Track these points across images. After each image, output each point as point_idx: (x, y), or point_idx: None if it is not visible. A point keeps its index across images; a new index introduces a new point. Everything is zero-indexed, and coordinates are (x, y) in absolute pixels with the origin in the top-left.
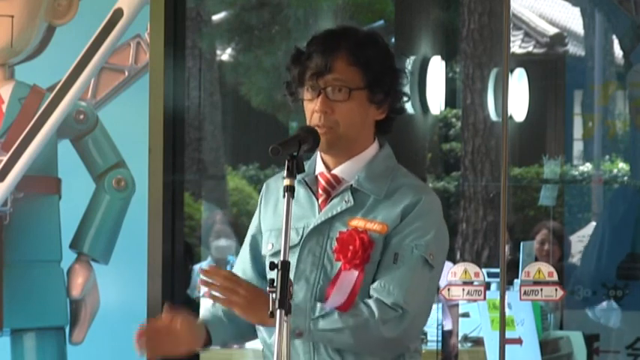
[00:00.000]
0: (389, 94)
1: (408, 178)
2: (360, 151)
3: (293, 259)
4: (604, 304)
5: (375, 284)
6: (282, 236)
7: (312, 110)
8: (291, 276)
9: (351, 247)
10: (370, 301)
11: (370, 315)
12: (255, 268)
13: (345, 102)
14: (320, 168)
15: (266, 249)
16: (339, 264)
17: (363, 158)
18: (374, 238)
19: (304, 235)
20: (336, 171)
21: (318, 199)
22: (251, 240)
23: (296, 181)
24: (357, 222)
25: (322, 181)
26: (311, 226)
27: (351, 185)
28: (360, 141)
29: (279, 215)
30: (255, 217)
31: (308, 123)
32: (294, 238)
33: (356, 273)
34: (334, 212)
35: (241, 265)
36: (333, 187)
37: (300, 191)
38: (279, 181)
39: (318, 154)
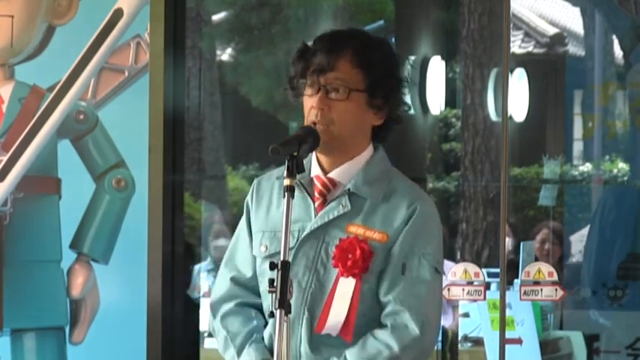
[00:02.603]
0: (388, 101)
1: (403, 181)
2: (356, 154)
3: None
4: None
5: (389, 303)
6: (281, 237)
7: (310, 106)
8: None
9: (350, 256)
10: (384, 335)
11: (389, 349)
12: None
13: (343, 101)
14: (316, 170)
15: (258, 250)
16: (332, 268)
17: (359, 162)
18: (374, 248)
19: (299, 238)
20: (333, 174)
21: (314, 202)
22: (249, 241)
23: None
24: (357, 229)
25: (318, 184)
26: (307, 231)
27: (348, 189)
28: (355, 144)
29: (273, 217)
30: (245, 216)
31: (305, 118)
32: (291, 240)
33: (354, 281)
34: (331, 217)
35: (248, 262)
36: (329, 191)
37: (297, 193)
38: (271, 181)
39: (313, 156)
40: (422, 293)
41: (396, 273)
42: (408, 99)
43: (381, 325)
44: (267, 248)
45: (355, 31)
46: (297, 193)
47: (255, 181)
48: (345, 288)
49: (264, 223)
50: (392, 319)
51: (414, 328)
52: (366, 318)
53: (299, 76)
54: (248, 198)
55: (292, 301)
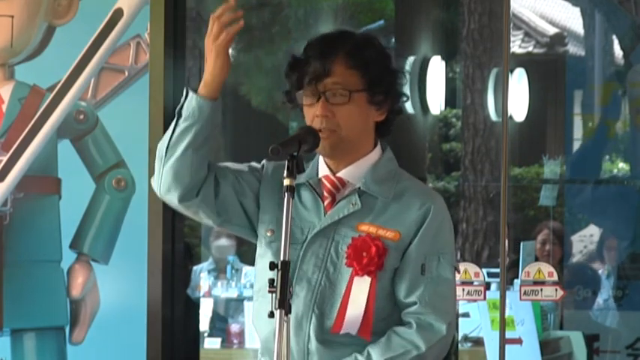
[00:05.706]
0: (388, 95)
1: (412, 181)
2: (363, 154)
3: (295, 257)
4: (600, 302)
5: (414, 304)
6: (282, 234)
7: (313, 115)
8: (293, 275)
9: (364, 254)
10: (410, 333)
11: (416, 349)
12: (235, 179)
13: (345, 105)
14: (324, 171)
15: (263, 230)
16: (343, 267)
17: (367, 161)
18: (387, 245)
19: (308, 237)
20: (341, 174)
21: (323, 202)
22: (250, 170)
23: (301, 184)
24: (368, 227)
25: (327, 184)
26: (316, 229)
27: (359, 188)
28: (362, 144)
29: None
30: (256, 175)
31: None
32: (299, 236)
33: (369, 280)
34: (341, 215)
35: (236, 169)
36: (339, 190)
37: (306, 193)
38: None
39: (320, 157)
40: (445, 293)
41: (415, 274)
42: (406, 89)
43: (401, 323)
44: (273, 233)
45: (343, 32)
46: (306, 193)
47: (275, 163)
48: (361, 287)
49: (277, 208)
50: (416, 318)
51: (440, 329)
52: (377, 316)
53: (295, 88)
54: (268, 168)
55: (301, 299)
